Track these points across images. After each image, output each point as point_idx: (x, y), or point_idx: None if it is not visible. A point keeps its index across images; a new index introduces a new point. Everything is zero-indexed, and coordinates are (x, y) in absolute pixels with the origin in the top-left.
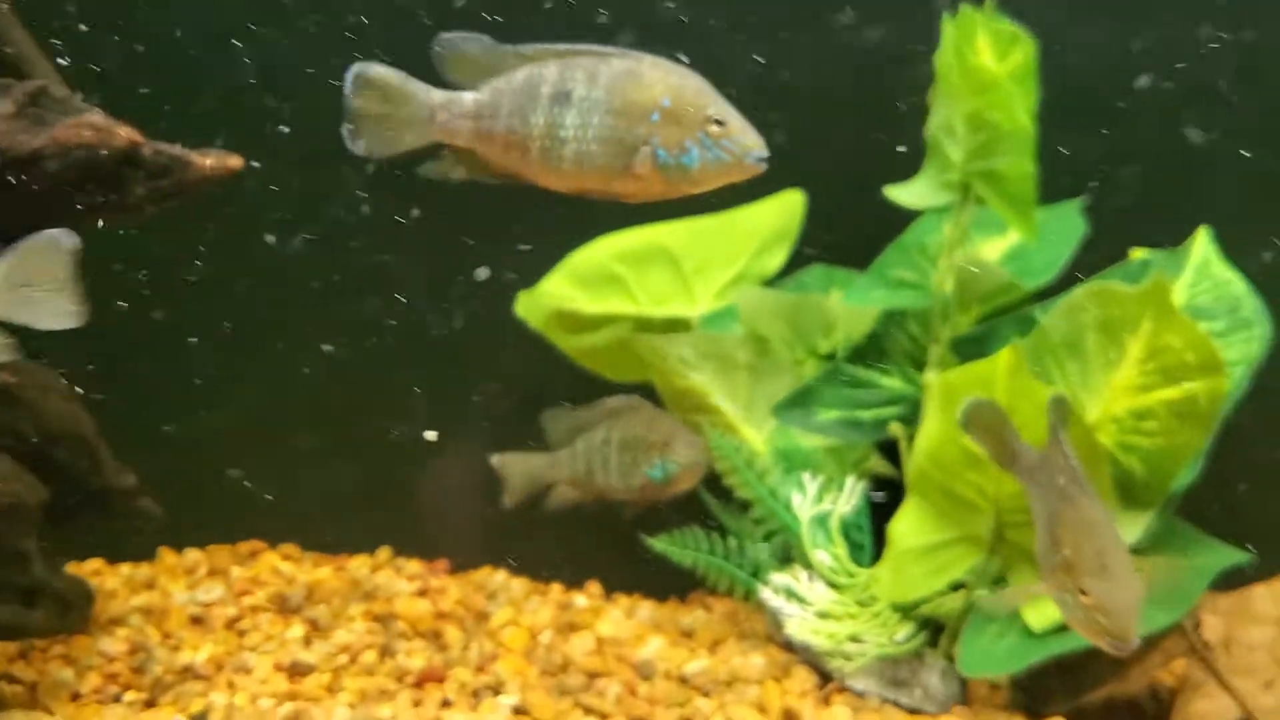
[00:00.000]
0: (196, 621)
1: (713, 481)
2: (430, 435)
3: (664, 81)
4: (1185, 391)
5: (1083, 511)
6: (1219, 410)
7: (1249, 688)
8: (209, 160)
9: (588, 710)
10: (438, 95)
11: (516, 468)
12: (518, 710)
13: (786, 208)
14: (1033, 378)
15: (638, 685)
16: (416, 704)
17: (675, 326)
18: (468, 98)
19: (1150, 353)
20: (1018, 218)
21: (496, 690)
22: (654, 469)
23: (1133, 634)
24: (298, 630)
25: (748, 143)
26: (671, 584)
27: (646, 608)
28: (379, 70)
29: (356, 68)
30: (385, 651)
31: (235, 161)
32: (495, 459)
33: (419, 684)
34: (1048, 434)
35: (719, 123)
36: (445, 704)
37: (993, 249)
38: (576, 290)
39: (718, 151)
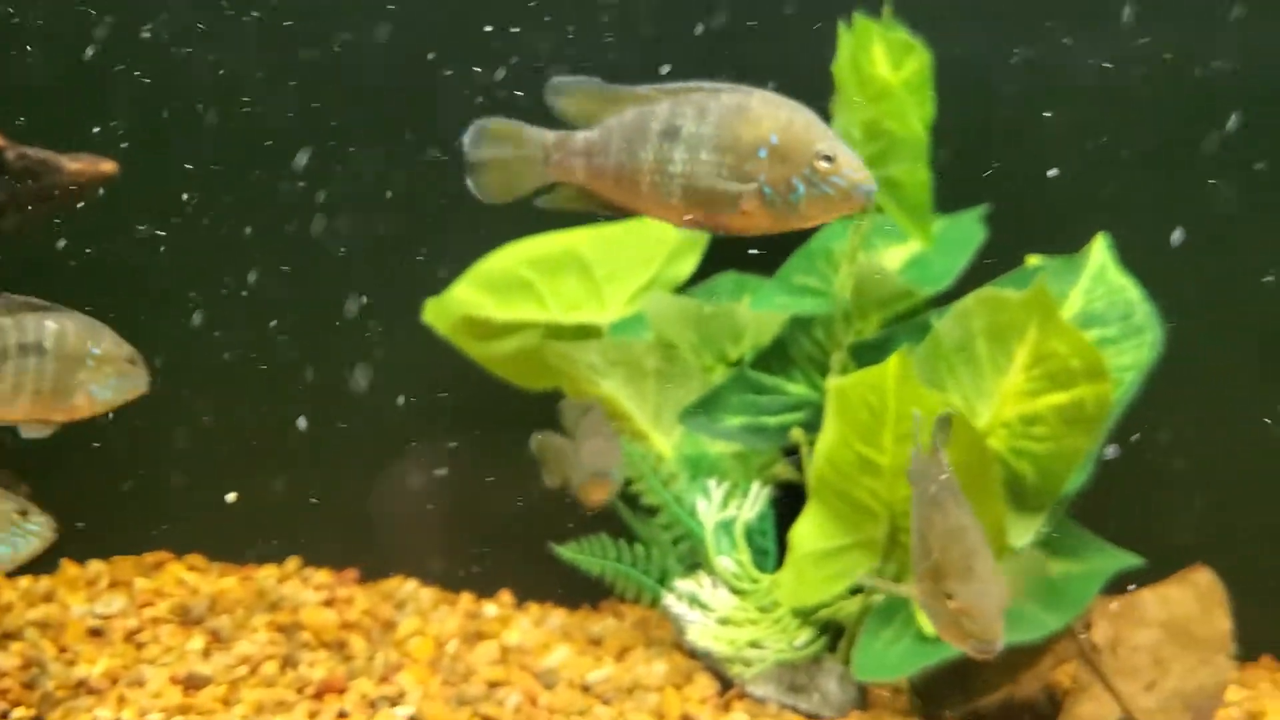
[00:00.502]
0: (95, 634)
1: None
2: (230, 497)
3: (773, 117)
4: (1073, 397)
5: (951, 518)
6: (1106, 415)
7: (1131, 689)
8: (78, 164)
9: (485, 718)
10: (551, 136)
11: (553, 449)
12: None
13: None
14: (920, 384)
15: (539, 694)
16: (313, 715)
17: (586, 333)
18: (579, 136)
19: (1036, 359)
20: (914, 225)
21: (395, 701)
22: None
23: (997, 637)
24: (198, 642)
25: (855, 178)
26: (586, 592)
27: (558, 616)
28: (497, 121)
29: (478, 123)
30: (287, 662)
31: (108, 166)
32: (533, 440)
33: (319, 695)
34: (927, 444)
35: (828, 159)
36: (341, 715)
37: (895, 256)
38: (485, 297)
39: (825, 187)
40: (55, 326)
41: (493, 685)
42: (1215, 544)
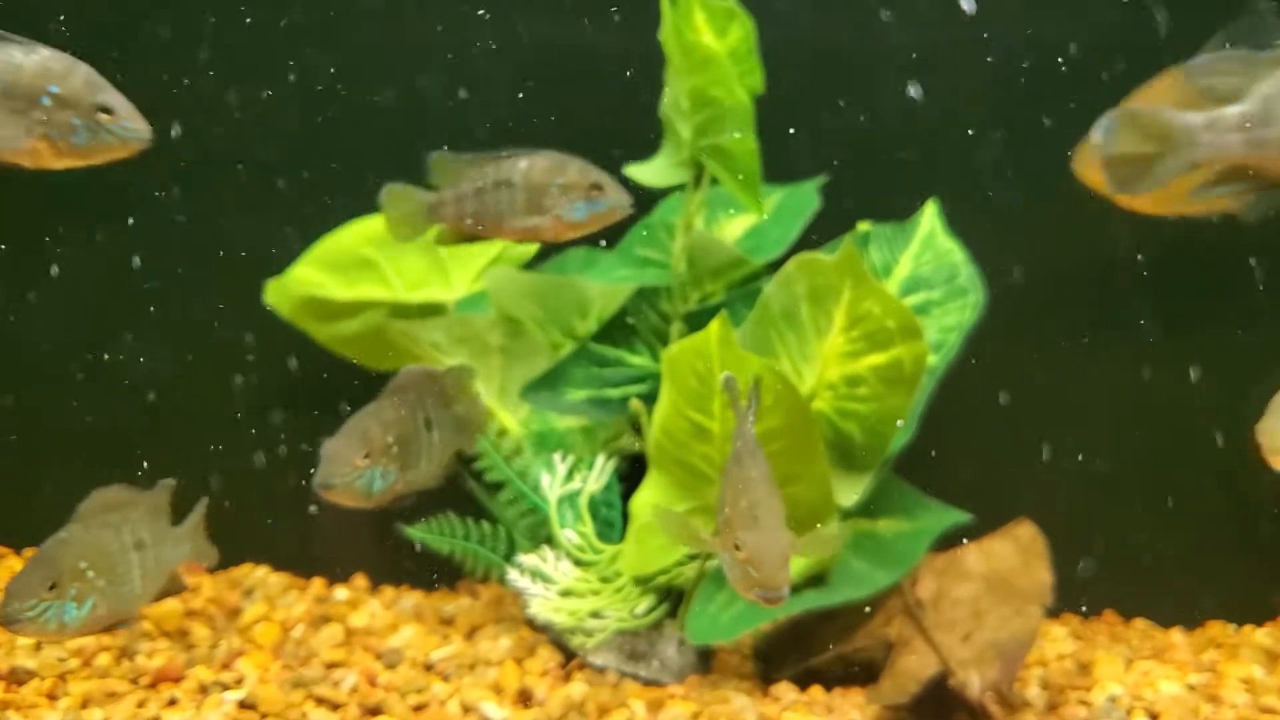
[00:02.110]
0: None
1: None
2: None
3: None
4: (891, 357)
5: (745, 471)
6: (922, 374)
7: (950, 641)
8: None
9: (320, 701)
10: (1196, 118)
11: None
12: (244, 705)
13: None
14: (741, 348)
15: (379, 674)
16: (141, 705)
17: (432, 311)
18: (1231, 111)
19: (853, 320)
20: (745, 193)
21: (229, 687)
22: None
23: (780, 584)
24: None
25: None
26: (444, 574)
27: (413, 598)
28: (1138, 111)
29: (1111, 113)
30: (124, 653)
31: None
32: None
33: (153, 684)
34: (731, 406)
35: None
36: (171, 703)
37: (737, 226)
38: (327, 276)
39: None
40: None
41: (331, 667)
42: (1054, 501)
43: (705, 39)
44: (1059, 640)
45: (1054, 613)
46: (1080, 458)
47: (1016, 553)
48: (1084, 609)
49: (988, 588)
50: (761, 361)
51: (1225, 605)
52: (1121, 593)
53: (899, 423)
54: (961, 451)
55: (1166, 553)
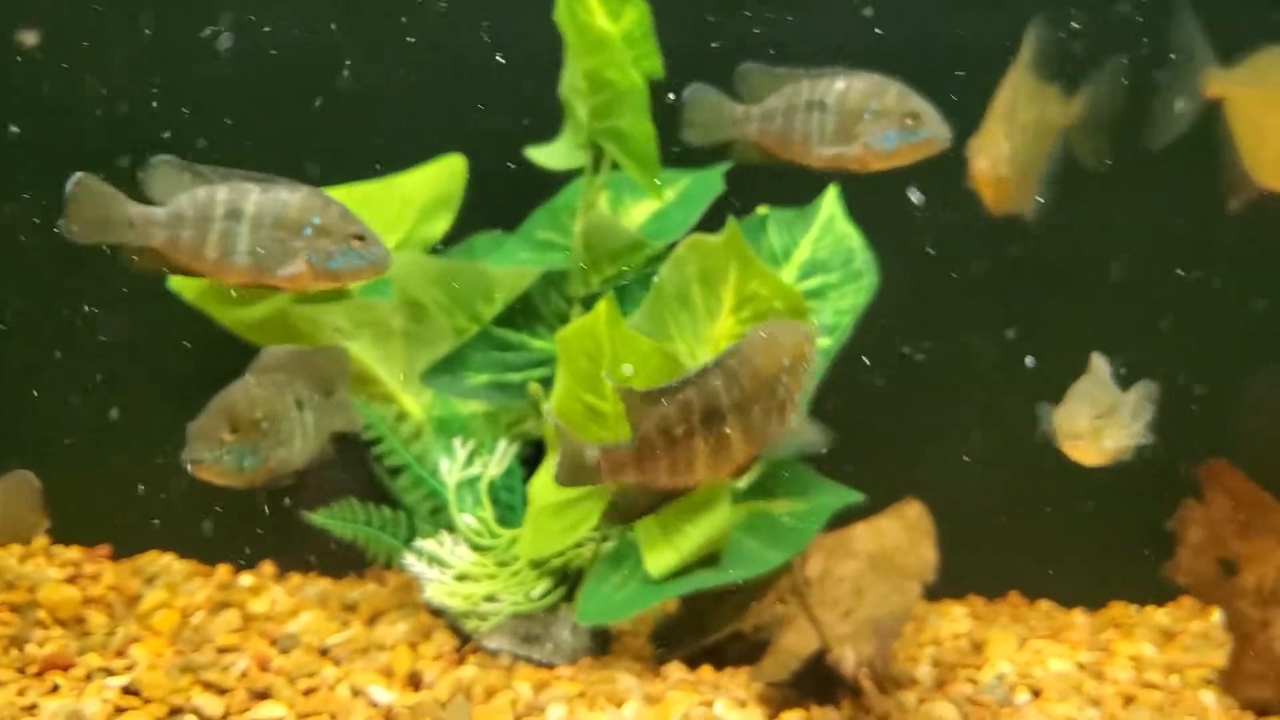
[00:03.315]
0: None
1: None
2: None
3: None
4: None
5: None
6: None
7: (831, 618)
8: None
9: (207, 685)
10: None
11: None
12: (127, 690)
13: (448, 172)
14: (635, 330)
15: (272, 659)
16: (22, 692)
17: (339, 296)
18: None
19: (741, 301)
20: (643, 176)
21: (117, 673)
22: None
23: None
24: None
25: None
26: (353, 561)
27: (320, 585)
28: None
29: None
30: (14, 641)
31: None
32: None
33: (40, 673)
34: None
35: None
36: (53, 689)
37: (643, 210)
38: None
39: None
40: None
41: (223, 652)
42: (960, 483)
43: (599, 21)
44: (957, 620)
45: (959, 593)
46: (988, 439)
47: (903, 531)
48: (989, 590)
49: (872, 565)
50: (650, 343)
51: (1130, 586)
52: (1026, 574)
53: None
54: (867, 432)
55: (1071, 534)
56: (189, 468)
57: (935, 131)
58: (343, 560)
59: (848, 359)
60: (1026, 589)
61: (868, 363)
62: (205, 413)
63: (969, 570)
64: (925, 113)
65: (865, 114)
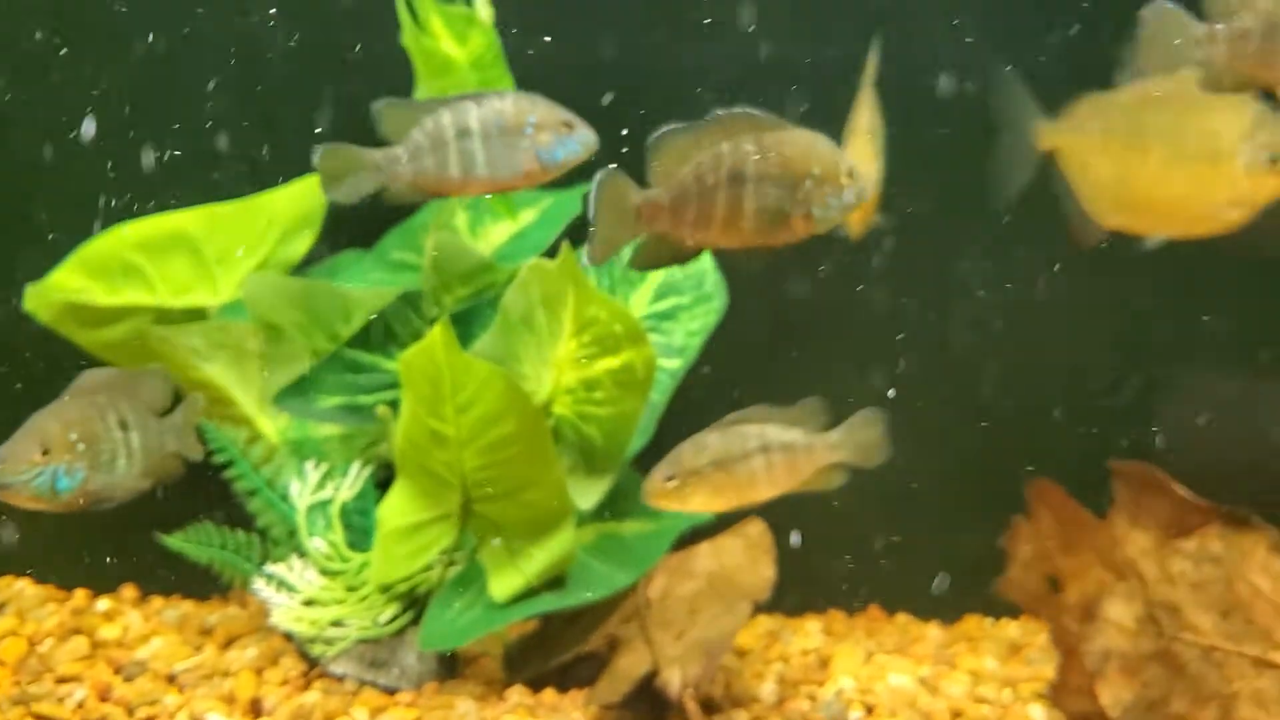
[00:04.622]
0: None
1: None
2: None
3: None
4: (623, 361)
5: None
6: (653, 377)
7: (664, 639)
8: None
9: (39, 718)
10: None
11: None
12: None
13: (309, 192)
14: (484, 353)
15: (115, 687)
16: None
17: (198, 317)
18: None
19: (581, 325)
20: (497, 198)
21: None
22: None
23: None
24: None
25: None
26: (217, 583)
27: (182, 608)
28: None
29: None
30: None
31: None
32: None
33: None
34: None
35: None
36: None
37: (502, 230)
38: (91, 281)
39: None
40: None
41: (64, 681)
42: (819, 498)
43: (444, 46)
44: (810, 636)
45: (820, 608)
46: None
47: (744, 549)
48: (850, 604)
49: (710, 585)
50: (489, 367)
51: (988, 599)
52: (887, 587)
53: (639, 424)
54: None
55: (929, 547)
56: None
57: (589, 137)
58: (207, 582)
59: (710, 372)
60: (886, 602)
61: (729, 377)
62: (16, 435)
63: (831, 584)
64: (574, 120)
65: (526, 129)
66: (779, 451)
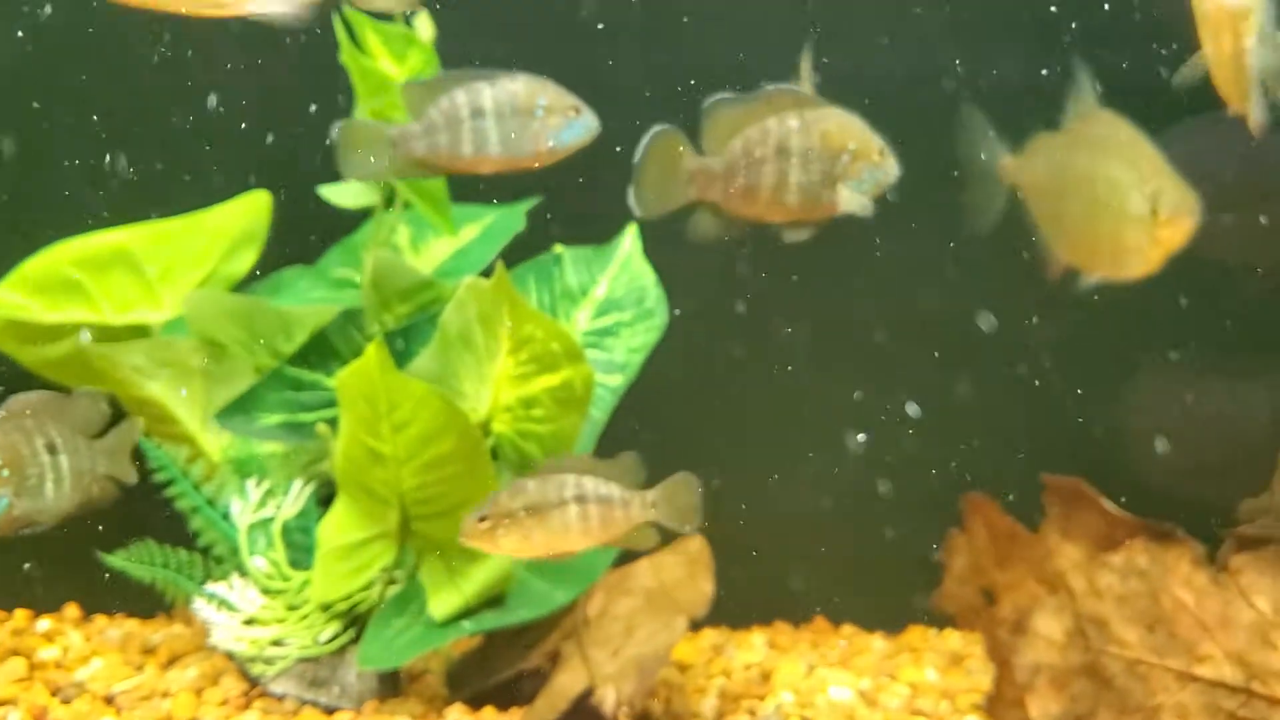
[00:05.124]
0: None
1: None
2: None
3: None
4: (562, 378)
5: None
6: (591, 394)
7: (601, 657)
8: None
9: None
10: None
11: None
12: None
13: (253, 208)
14: (423, 371)
15: (51, 709)
16: None
17: (140, 334)
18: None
19: (518, 343)
20: (435, 214)
21: None
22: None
23: None
24: None
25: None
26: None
27: (126, 627)
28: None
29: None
30: None
31: None
32: None
33: None
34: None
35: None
36: None
37: (445, 246)
38: (31, 298)
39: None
40: None
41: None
42: (766, 510)
43: (381, 64)
44: (754, 649)
45: (766, 619)
46: (801, 463)
47: (684, 565)
48: (796, 615)
49: (648, 602)
50: (425, 386)
51: (932, 609)
52: (832, 598)
53: (579, 441)
54: (677, 460)
55: (875, 557)
56: None
57: (592, 122)
58: (153, 600)
59: (654, 384)
60: (832, 613)
61: (674, 391)
62: None
63: (777, 596)
64: (580, 104)
65: (536, 112)
66: (594, 503)
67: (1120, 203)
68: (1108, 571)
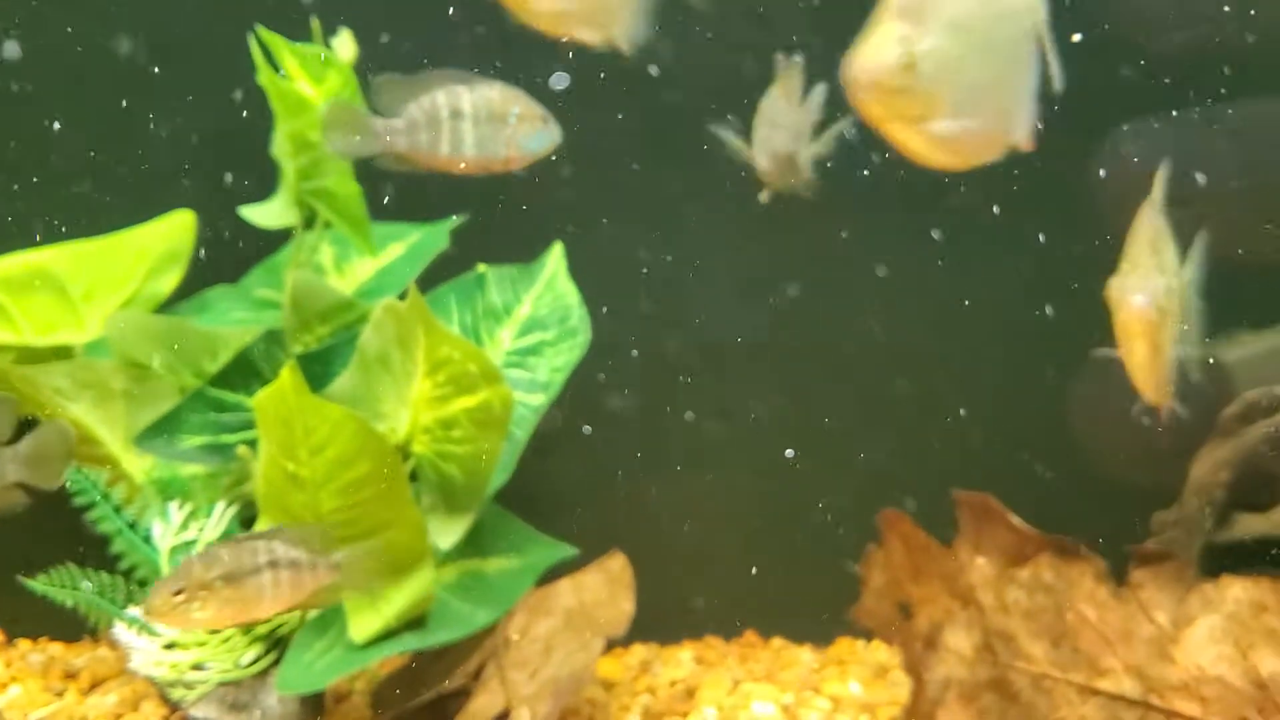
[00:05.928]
0: None
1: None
2: None
3: None
4: (480, 400)
5: None
6: (510, 415)
7: (520, 678)
8: None
9: None
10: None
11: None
12: None
13: (177, 228)
14: (342, 392)
15: None
16: None
17: (63, 356)
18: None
19: (434, 365)
20: (355, 234)
21: None
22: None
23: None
24: None
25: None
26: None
27: (49, 651)
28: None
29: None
30: None
31: None
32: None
33: None
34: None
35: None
36: None
37: (368, 266)
38: None
39: None
40: None
41: None
42: (688, 524)
43: (299, 85)
44: (680, 665)
45: (696, 634)
46: (717, 480)
47: (605, 584)
48: (726, 629)
49: (567, 622)
50: (341, 410)
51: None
52: (762, 611)
53: (498, 462)
54: (601, 477)
55: (804, 569)
56: None
57: (557, 133)
58: (78, 625)
59: (577, 401)
60: (762, 627)
61: (596, 406)
62: None
63: (706, 610)
64: (548, 115)
65: (509, 118)
66: (286, 568)
67: None
68: (1015, 587)
